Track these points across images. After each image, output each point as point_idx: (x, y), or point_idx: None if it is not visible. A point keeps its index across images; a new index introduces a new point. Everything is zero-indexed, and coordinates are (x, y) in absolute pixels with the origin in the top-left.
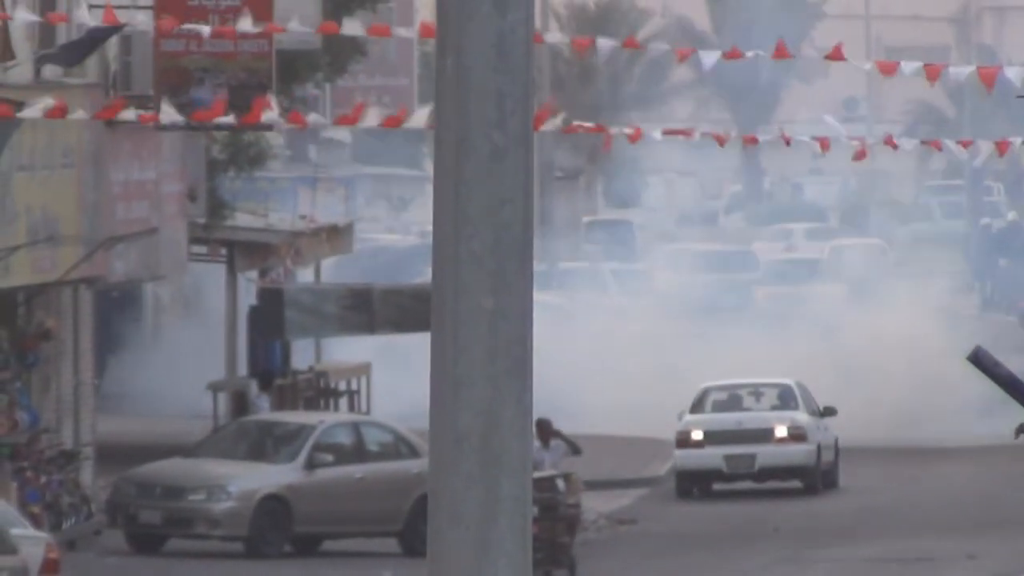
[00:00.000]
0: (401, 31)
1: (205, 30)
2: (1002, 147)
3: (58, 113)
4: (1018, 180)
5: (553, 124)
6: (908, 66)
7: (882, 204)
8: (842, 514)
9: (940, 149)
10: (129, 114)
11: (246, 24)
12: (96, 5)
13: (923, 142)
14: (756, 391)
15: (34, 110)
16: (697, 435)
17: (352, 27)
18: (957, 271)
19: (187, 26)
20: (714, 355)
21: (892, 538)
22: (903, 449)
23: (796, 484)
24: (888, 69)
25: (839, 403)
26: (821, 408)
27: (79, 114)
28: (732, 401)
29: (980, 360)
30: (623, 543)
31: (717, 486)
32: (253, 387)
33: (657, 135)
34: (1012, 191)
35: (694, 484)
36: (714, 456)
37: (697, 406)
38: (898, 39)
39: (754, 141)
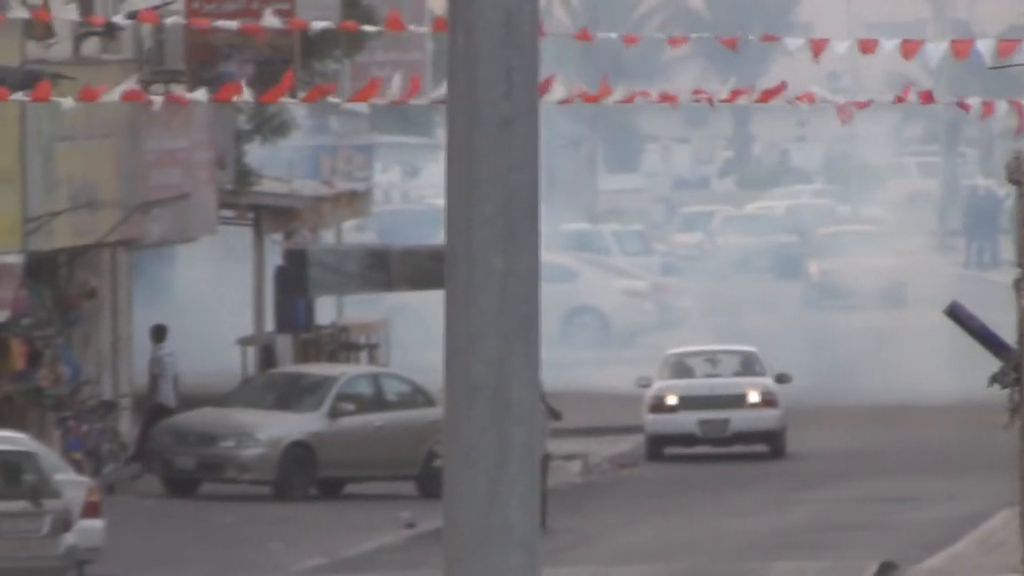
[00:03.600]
0: (414, 28)
1: (232, 24)
2: (988, 109)
3: (91, 96)
4: (990, 146)
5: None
6: (887, 43)
7: (863, 167)
8: (827, 460)
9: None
10: (158, 98)
11: (272, 21)
12: None
13: (960, 103)
14: (720, 357)
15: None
16: (672, 400)
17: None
18: (936, 231)
19: (218, 23)
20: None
21: (876, 480)
22: (873, 408)
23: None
24: (868, 47)
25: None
26: (776, 375)
27: (112, 95)
28: (698, 367)
29: (956, 313)
30: (626, 485)
31: (671, 450)
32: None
33: (653, 99)
34: (984, 157)
35: (664, 447)
36: (688, 421)
37: (664, 372)
38: (876, 14)
39: (735, 97)
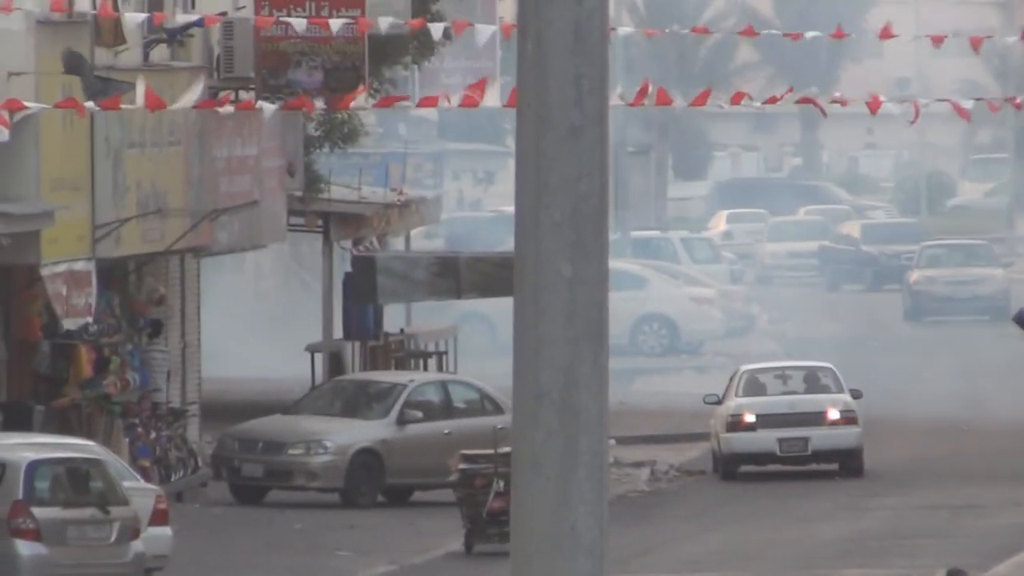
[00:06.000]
0: (483, 26)
1: (301, 23)
2: None
3: (156, 103)
4: None
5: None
6: (954, 40)
7: (932, 175)
8: (894, 469)
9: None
10: (229, 108)
11: (338, 24)
12: None
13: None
14: (792, 374)
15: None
16: (750, 418)
17: (436, 29)
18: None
19: (284, 19)
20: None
21: (942, 488)
22: (941, 419)
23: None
24: (937, 40)
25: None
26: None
27: (180, 102)
28: (772, 384)
29: (1023, 320)
30: (693, 493)
31: (745, 468)
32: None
33: (723, 105)
34: None
35: (741, 466)
36: (767, 439)
37: (737, 389)
38: (945, 23)
39: (808, 101)
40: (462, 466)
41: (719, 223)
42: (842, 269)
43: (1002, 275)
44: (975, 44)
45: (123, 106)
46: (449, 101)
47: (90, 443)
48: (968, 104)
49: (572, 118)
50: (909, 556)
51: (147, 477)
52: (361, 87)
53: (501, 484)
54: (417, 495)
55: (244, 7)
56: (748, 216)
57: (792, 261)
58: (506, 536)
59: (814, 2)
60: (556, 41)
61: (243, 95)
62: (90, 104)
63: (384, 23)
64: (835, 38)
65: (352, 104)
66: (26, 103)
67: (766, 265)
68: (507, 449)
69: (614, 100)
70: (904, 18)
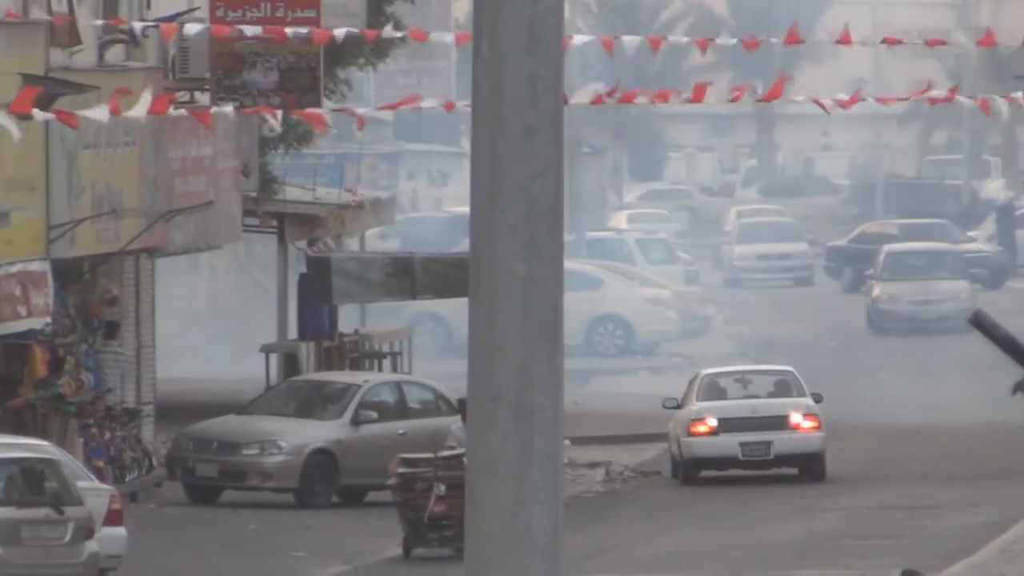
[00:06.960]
0: (438, 35)
1: (256, 29)
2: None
3: (116, 111)
4: (1014, 153)
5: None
6: (911, 41)
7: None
8: (849, 470)
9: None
10: (183, 110)
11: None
12: None
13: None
14: (753, 378)
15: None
16: (712, 422)
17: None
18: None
19: (239, 27)
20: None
21: (898, 489)
22: (895, 422)
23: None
24: (892, 42)
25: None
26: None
27: (136, 109)
28: (733, 388)
29: (980, 322)
30: (648, 492)
31: (706, 473)
32: None
33: (679, 106)
34: (1008, 165)
35: (702, 471)
36: (730, 443)
37: (697, 393)
38: (902, 23)
39: (773, 97)
40: (401, 470)
41: (620, 221)
42: (863, 269)
43: (967, 289)
44: (932, 44)
45: (82, 114)
46: (424, 97)
47: (44, 443)
48: (938, 92)
49: (527, 118)
50: (865, 557)
51: (101, 477)
52: (320, 112)
53: (442, 488)
54: (372, 495)
55: (199, 7)
56: (648, 217)
57: (762, 263)
58: (446, 540)
59: (771, 1)
60: (511, 41)
61: (198, 96)
62: (48, 115)
63: (340, 34)
64: (790, 43)
65: (309, 110)
66: None
67: (734, 267)
68: (446, 452)
69: (579, 99)
70: (861, 18)
